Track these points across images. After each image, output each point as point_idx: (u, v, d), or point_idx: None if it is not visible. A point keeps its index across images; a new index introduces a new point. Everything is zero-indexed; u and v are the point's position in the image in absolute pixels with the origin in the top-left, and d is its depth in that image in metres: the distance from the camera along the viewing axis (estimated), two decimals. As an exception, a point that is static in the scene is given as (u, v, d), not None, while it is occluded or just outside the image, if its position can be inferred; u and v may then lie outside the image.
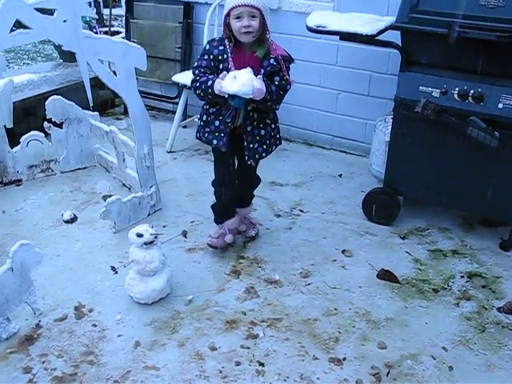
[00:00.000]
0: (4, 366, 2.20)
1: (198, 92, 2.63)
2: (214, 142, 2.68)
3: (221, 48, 2.60)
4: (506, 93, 2.62)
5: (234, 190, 2.89)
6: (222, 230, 2.94)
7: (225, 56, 2.59)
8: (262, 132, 2.71)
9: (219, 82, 2.50)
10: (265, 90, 2.50)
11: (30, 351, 2.28)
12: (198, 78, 2.62)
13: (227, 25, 2.57)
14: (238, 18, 2.50)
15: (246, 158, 2.72)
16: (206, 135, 2.73)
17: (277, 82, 2.59)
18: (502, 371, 2.24)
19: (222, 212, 2.97)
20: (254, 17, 2.50)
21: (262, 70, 2.57)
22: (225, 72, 2.52)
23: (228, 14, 2.53)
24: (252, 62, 2.58)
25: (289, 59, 2.66)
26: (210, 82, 2.55)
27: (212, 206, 3.00)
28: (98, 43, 2.80)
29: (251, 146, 2.70)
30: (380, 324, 2.47)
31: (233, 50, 2.59)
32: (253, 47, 2.60)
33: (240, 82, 2.45)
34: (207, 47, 2.64)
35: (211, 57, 2.61)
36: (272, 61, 2.58)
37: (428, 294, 2.66)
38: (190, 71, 3.52)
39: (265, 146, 2.74)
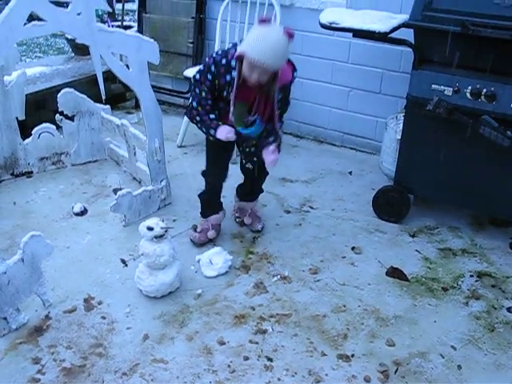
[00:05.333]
0: (13, 356, 2.21)
1: (195, 122, 2.66)
2: (212, 131, 2.61)
3: (227, 78, 2.50)
4: (520, 92, 2.61)
5: (224, 179, 2.91)
6: (205, 225, 2.97)
7: (229, 88, 2.52)
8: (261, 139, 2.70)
9: (226, 132, 2.56)
10: (277, 158, 2.63)
11: (39, 342, 2.29)
12: (199, 107, 2.58)
13: (239, 57, 2.42)
14: (250, 67, 2.39)
15: (243, 161, 2.81)
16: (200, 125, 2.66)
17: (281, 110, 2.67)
18: (511, 371, 2.23)
19: (208, 205, 3.00)
20: (264, 75, 2.40)
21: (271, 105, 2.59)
22: (225, 127, 2.56)
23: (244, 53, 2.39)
24: (257, 97, 2.55)
25: (291, 81, 2.61)
26: (212, 131, 2.59)
27: (200, 196, 3.01)
28: (111, 36, 2.80)
29: (247, 150, 2.77)
30: (389, 321, 2.47)
31: (239, 84, 2.49)
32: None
33: (217, 267, 2.71)
34: (213, 69, 2.50)
35: (216, 82, 2.52)
36: (278, 94, 2.54)
37: (437, 293, 2.65)
38: (194, 69, 3.52)
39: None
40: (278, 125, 2.62)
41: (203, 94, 2.57)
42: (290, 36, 2.37)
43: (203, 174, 2.95)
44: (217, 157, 2.84)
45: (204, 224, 2.98)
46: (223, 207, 3.04)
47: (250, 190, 3.07)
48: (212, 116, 2.59)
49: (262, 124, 2.61)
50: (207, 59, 2.55)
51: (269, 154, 2.62)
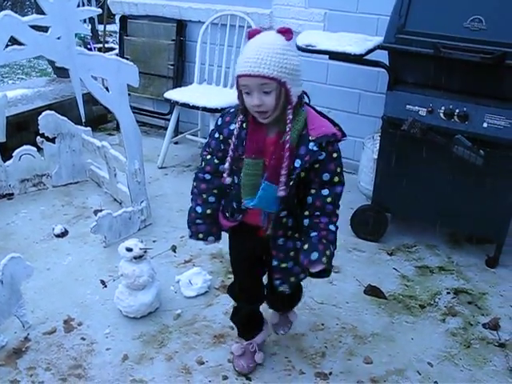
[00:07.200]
0: (-8, 379, 2.21)
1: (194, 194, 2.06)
2: (189, 232, 2.11)
3: (231, 128, 1.83)
4: (490, 112, 2.67)
5: (260, 301, 2.27)
6: (249, 348, 2.29)
7: (234, 140, 1.82)
8: (299, 244, 1.89)
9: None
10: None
11: (17, 364, 2.29)
12: (194, 182, 2.02)
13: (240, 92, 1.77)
14: (246, 92, 1.73)
15: (276, 282, 1.99)
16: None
17: (327, 192, 1.81)
18: (486, 387, 2.26)
19: (249, 326, 2.32)
20: (267, 92, 1.69)
21: (299, 161, 1.75)
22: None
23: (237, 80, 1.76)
24: (276, 148, 1.77)
25: (336, 139, 1.81)
26: (189, 231, 2.11)
27: (232, 319, 2.35)
28: (91, 60, 2.84)
29: (283, 265, 1.96)
30: (366, 339, 2.49)
31: (247, 129, 1.81)
32: (279, 127, 1.78)
33: (196, 287, 2.70)
34: (219, 122, 1.90)
35: (221, 137, 1.89)
36: (312, 145, 1.75)
37: (414, 310, 2.69)
38: (183, 88, 3.54)
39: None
40: (284, 191, 1.76)
41: (203, 163, 1.98)
42: (284, 33, 1.74)
43: (230, 291, 2.31)
44: (244, 274, 2.18)
45: (248, 347, 2.29)
46: (264, 317, 2.36)
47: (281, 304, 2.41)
48: (199, 209, 2.02)
49: (271, 185, 1.78)
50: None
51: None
